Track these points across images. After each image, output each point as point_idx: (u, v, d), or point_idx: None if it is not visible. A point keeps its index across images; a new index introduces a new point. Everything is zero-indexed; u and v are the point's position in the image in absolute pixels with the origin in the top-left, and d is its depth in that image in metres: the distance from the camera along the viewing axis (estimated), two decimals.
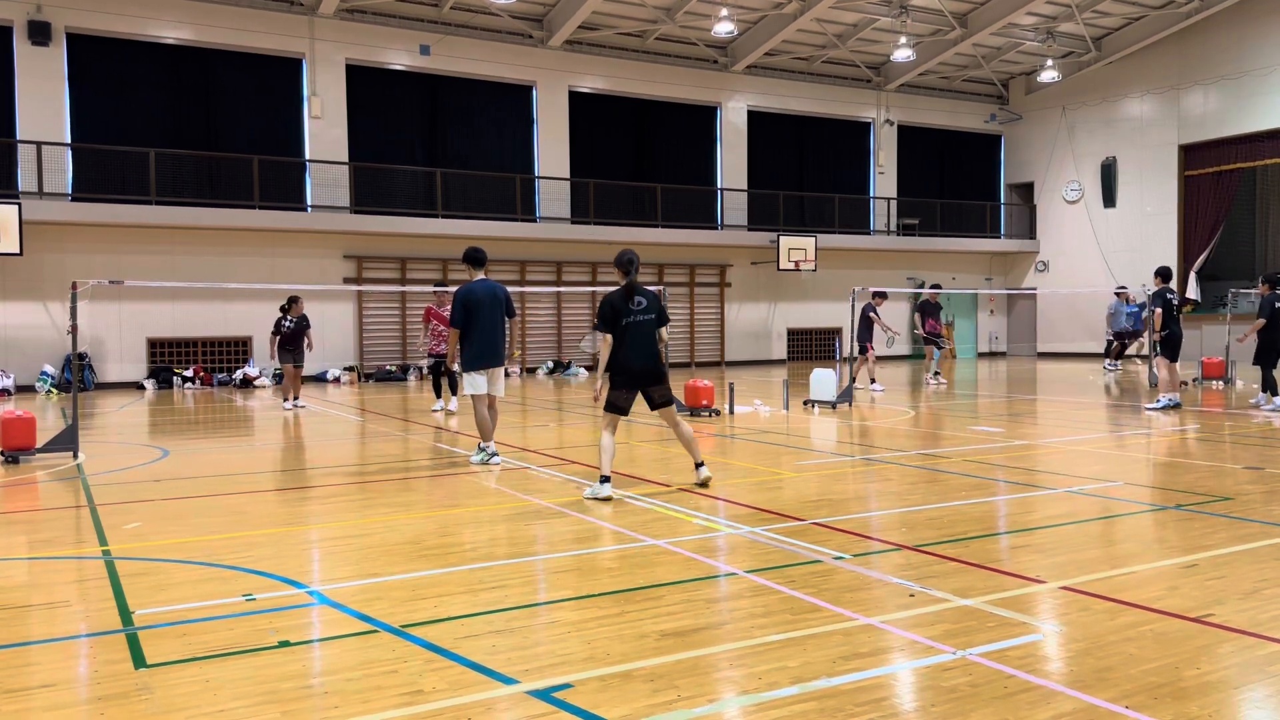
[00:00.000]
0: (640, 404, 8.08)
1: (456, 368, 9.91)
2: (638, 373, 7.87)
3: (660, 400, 8.07)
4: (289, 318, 15.69)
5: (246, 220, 21.98)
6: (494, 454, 9.56)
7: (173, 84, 22.40)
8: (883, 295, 18.58)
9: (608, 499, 7.58)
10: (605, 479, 7.71)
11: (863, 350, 18.23)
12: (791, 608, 4.73)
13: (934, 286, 19.66)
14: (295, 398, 15.96)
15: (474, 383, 9.47)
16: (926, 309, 19.67)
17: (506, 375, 10.00)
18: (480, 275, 9.57)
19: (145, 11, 21.63)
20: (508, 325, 9.66)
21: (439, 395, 15.03)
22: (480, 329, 9.34)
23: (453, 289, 15.25)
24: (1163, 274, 14.70)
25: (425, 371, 22.62)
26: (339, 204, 23.35)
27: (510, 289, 10.02)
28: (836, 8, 25.88)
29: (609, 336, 7.81)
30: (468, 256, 9.60)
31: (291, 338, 15.69)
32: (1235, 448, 10.42)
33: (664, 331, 8.10)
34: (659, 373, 8.05)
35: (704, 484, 8.04)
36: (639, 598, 4.93)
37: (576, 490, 8.07)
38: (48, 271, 20.38)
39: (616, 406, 7.89)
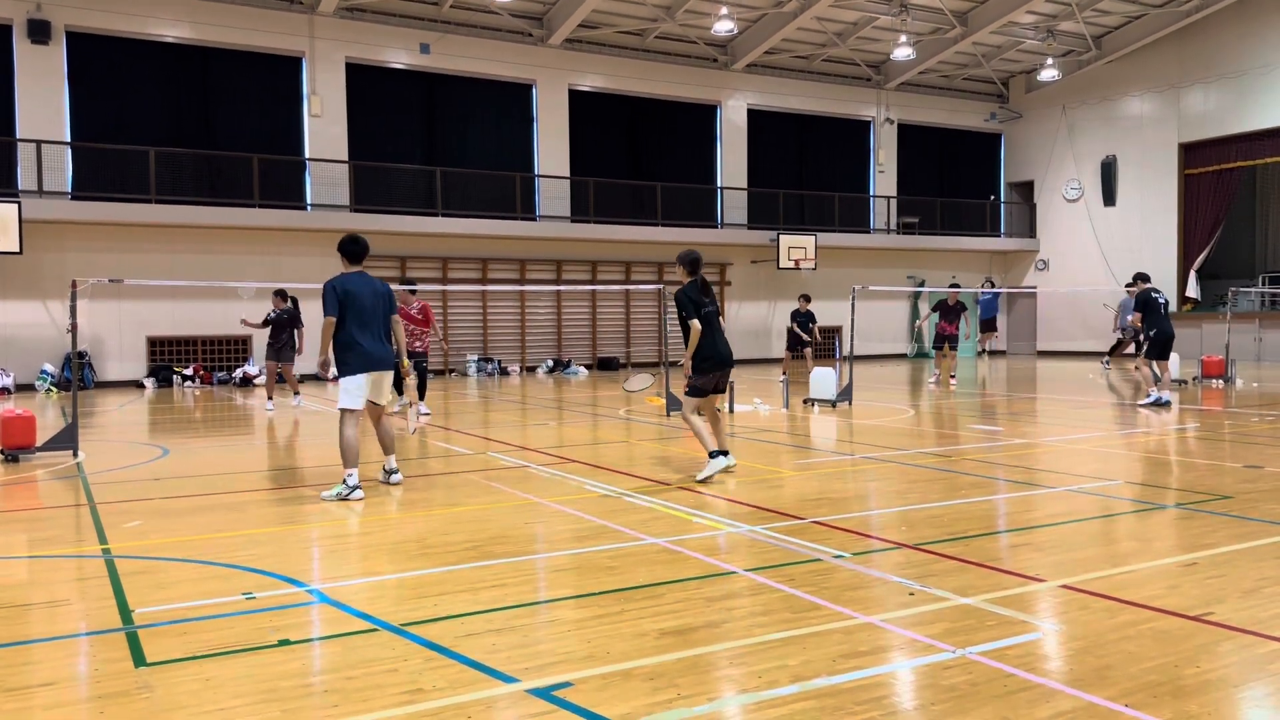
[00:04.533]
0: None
1: (332, 373, 8.11)
2: (726, 357, 8.56)
3: (723, 387, 8.78)
4: (272, 310, 15.40)
5: (246, 219, 21.98)
6: (356, 486, 7.66)
7: (172, 82, 22.40)
8: (806, 298, 20.65)
9: (727, 470, 8.26)
10: (716, 453, 8.20)
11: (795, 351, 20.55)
12: (791, 606, 4.73)
13: (953, 286, 19.53)
14: (295, 393, 15.77)
15: (353, 392, 7.85)
16: (942, 310, 19.33)
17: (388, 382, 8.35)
18: (356, 269, 8.05)
19: (145, 10, 21.62)
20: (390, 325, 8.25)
21: (401, 393, 13.86)
22: (360, 328, 7.84)
23: (413, 288, 14.97)
24: (1142, 277, 15.55)
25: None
26: (338, 203, 23.34)
27: (510, 287, 9.92)
28: (836, 6, 25.86)
29: (696, 323, 8.30)
30: (342, 248, 8.08)
31: (273, 331, 15.28)
32: (1235, 446, 10.42)
33: None
34: (732, 360, 8.75)
35: (728, 470, 8.41)
36: (639, 596, 4.93)
37: (575, 488, 8.06)
38: (47, 270, 20.38)
39: (703, 391, 8.48)
